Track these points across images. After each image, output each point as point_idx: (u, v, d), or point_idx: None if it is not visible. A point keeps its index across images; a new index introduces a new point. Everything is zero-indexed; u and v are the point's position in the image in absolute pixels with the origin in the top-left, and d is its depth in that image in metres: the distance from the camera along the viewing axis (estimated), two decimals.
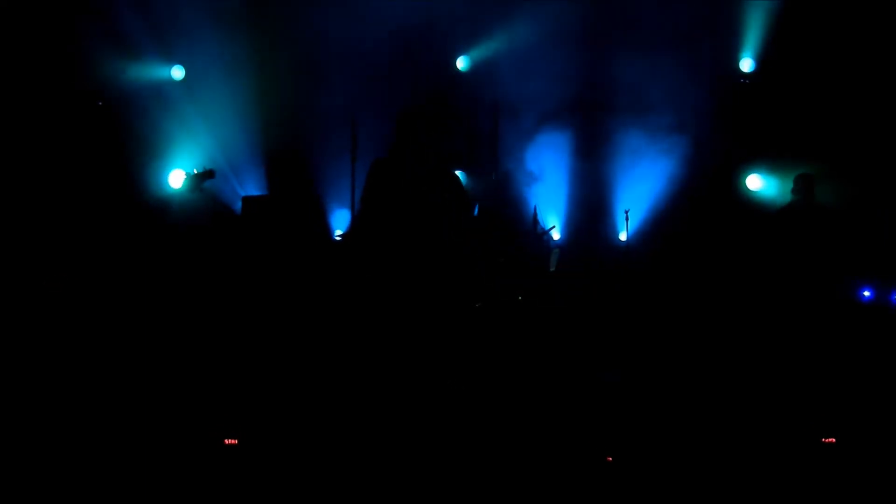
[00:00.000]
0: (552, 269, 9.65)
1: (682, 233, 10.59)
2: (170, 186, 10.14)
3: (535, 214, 10.01)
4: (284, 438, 6.68)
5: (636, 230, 10.58)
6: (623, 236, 10.46)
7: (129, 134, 9.96)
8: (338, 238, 10.37)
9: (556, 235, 10.29)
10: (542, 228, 10.04)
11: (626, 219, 10.21)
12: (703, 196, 10.76)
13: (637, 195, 10.70)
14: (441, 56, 10.88)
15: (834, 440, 6.99)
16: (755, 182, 10.91)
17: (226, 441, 6.63)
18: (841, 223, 9.62)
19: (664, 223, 10.68)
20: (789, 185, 9.61)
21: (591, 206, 10.96)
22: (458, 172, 9.84)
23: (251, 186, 10.59)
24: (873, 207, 10.03)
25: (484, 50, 10.83)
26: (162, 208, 9.41)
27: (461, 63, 10.86)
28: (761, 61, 10.76)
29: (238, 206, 10.18)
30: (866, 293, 9.82)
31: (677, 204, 10.72)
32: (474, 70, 10.88)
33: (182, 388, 7.30)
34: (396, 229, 6.25)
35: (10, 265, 8.06)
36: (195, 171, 8.87)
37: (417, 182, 6.28)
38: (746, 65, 10.81)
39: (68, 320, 7.89)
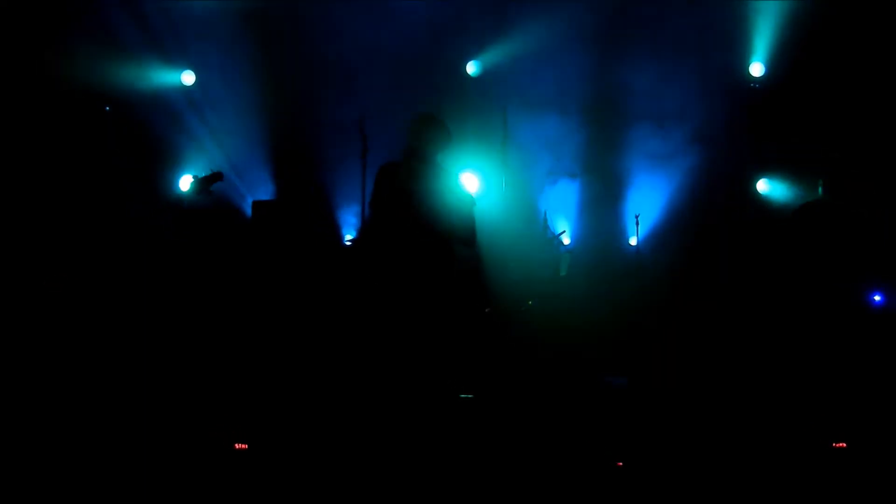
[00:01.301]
0: (562, 273, 9.64)
1: (692, 237, 10.55)
2: (178, 189, 10.17)
3: (545, 219, 10.00)
4: (294, 443, 6.69)
5: (646, 235, 10.56)
6: (633, 241, 10.44)
7: (137, 137, 9.99)
8: (348, 243, 10.38)
9: (566, 240, 10.27)
10: (553, 233, 10.04)
11: (637, 223, 10.19)
12: (713, 200, 10.73)
13: (647, 200, 10.67)
14: (452, 60, 10.87)
15: (844, 445, 6.97)
16: (766, 186, 10.88)
17: (236, 445, 6.65)
18: (850, 226, 9.59)
19: (674, 228, 10.65)
20: (799, 188, 9.59)
21: (601, 211, 10.93)
22: (467, 177, 9.94)
23: (261, 190, 10.61)
24: (882, 209, 9.97)
25: (495, 54, 10.81)
26: (170, 211, 9.43)
27: (472, 67, 10.85)
28: (771, 65, 10.73)
29: (248, 210, 10.21)
30: (877, 298, 9.77)
31: (687, 208, 10.69)
32: (485, 74, 10.87)
33: (191, 393, 7.31)
34: (403, 233, 6.25)
35: (10, 265, 8.07)
36: (203, 175, 8.89)
37: (422, 184, 6.29)
38: (756, 69, 10.78)
39: (69, 321, 7.90)
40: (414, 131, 6.48)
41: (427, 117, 6.58)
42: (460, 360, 6.40)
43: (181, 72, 10.54)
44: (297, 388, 7.63)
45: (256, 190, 10.57)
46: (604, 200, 10.91)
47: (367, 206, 6.49)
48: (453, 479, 5.87)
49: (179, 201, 9.47)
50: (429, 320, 6.18)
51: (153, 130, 10.24)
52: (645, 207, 10.54)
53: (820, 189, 8.83)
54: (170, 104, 10.43)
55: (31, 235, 8.39)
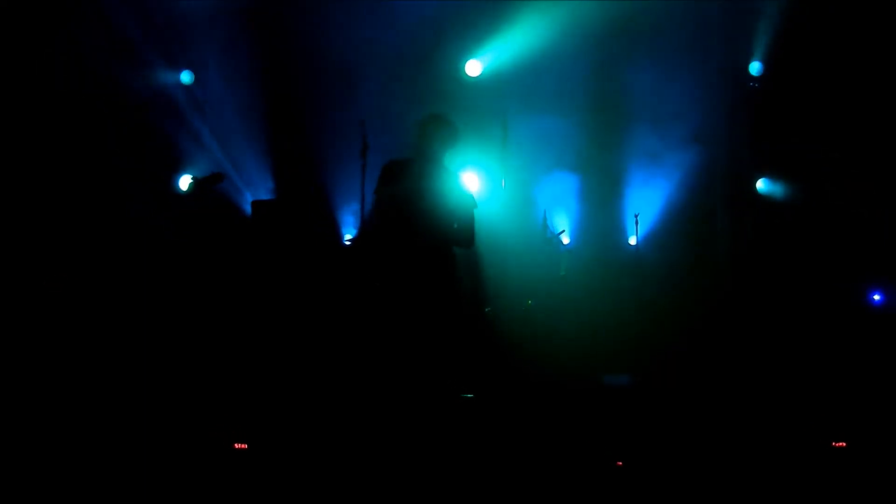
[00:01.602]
0: (562, 273, 9.64)
1: (691, 237, 10.56)
2: (179, 189, 10.17)
3: (545, 218, 10.00)
4: (294, 443, 6.69)
5: (646, 234, 10.56)
6: (633, 240, 10.44)
7: (137, 137, 9.99)
8: (348, 242, 10.38)
9: (565, 240, 10.27)
10: (552, 232, 10.04)
11: (636, 223, 10.19)
12: (713, 200, 10.74)
13: (647, 199, 10.67)
14: (452, 60, 10.87)
15: (844, 444, 6.97)
16: (766, 186, 10.89)
17: (235, 445, 6.64)
18: (850, 225, 9.61)
19: (674, 227, 10.65)
20: (799, 187, 9.59)
21: (601, 210, 10.93)
22: (468, 177, 9.94)
23: (261, 190, 10.61)
24: (882, 209, 9.99)
25: (495, 54, 10.81)
26: (170, 211, 9.44)
27: (472, 67, 10.85)
28: (770, 65, 10.73)
29: (248, 209, 10.21)
30: (876, 297, 9.79)
31: (687, 208, 10.69)
32: (485, 74, 10.87)
33: (190, 393, 7.31)
34: (404, 232, 6.26)
35: (10, 265, 8.08)
36: (203, 175, 8.88)
37: (427, 184, 6.29)
38: (756, 69, 10.78)
39: (69, 321, 7.90)
40: (422, 131, 6.48)
41: (436, 117, 6.59)
42: (460, 360, 6.40)
43: (181, 71, 10.54)
44: (298, 387, 7.63)
45: (256, 189, 10.57)
46: (603, 200, 10.91)
47: (372, 202, 6.48)
48: (453, 478, 5.87)
49: (179, 201, 9.48)
50: (429, 320, 6.19)
51: (153, 130, 10.23)
52: (645, 207, 10.54)
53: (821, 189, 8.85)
54: (170, 104, 10.43)
55: (31, 235, 8.39)
